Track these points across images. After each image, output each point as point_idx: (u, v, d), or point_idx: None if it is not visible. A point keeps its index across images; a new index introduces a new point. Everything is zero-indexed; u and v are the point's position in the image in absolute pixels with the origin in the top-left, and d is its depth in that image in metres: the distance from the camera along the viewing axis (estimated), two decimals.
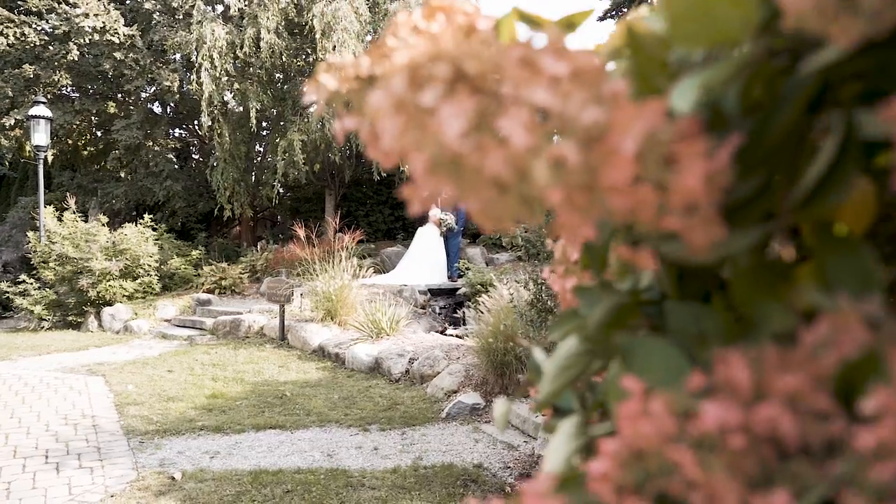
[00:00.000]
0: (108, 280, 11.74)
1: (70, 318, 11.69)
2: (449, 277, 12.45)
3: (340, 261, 9.91)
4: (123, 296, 11.97)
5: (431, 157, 0.29)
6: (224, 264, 13.48)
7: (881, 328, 0.27)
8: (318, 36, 13.36)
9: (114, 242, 12.25)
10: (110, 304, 11.71)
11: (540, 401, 0.45)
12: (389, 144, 0.32)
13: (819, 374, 0.27)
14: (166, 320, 11.65)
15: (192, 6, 14.17)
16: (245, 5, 14.26)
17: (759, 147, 0.31)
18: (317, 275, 9.85)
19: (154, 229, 13.22)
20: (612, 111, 0.29)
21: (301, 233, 10.65)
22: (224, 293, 13.03)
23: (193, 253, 14.19)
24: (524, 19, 0.53)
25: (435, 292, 11.53)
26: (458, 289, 11.44)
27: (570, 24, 0.50)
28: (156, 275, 12.79)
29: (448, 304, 11.39)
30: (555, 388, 0.43)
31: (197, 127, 16.68)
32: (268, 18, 13.81)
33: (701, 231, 0.28)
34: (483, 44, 0.38)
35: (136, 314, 11.60)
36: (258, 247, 15.33)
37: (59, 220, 12.44)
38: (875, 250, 0.36)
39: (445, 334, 9.45)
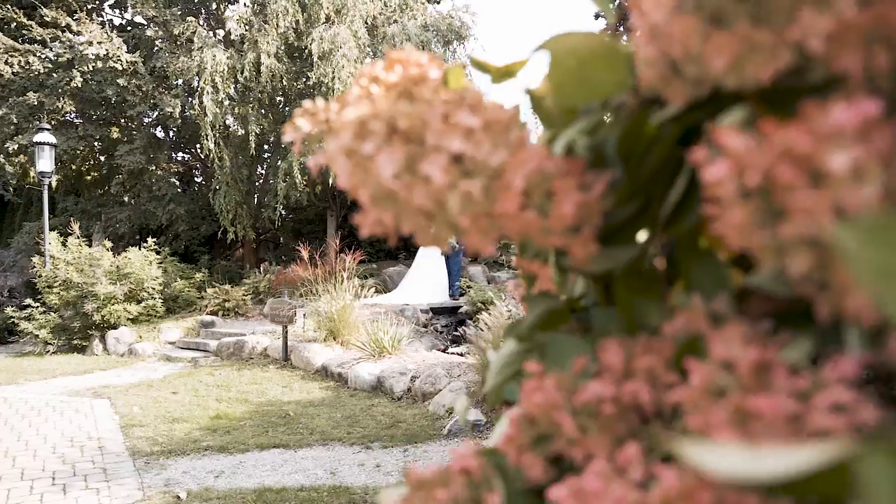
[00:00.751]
0: (113, 304, 11.83)
1: (75, 341, 11.76)
2: (451, 296, 12.52)
3: (342, 281, 9.99)
4: (128, 319, 12.04)
5: (373, 193, 0.37)
6: (227, 286, 13.57)
7: (722, 320, 0.35)
8: (316, 60, 13.55)
9: (118, 266, 12.35)
10: (115, 328, 11.79)
11: (486, 394, 0.52)
12: (343, 181, 0.40)
13: (668, 356, 0.34)
14: (170, 343, 11.72)
15: (194, 32, 14.38)
16: (245, 31, 14.46)
17: (636, 179, 0.39)
18: (319, 295, 9.93)
19: (158, 252, 13.33)
20: (511, 155, 0.37)
21: (304, 253, 10.75)
22: (228, 315, 13.10)
23: (197, 275, 14.29)
24: (476, 65, 0.62)
25: (437, 311, 11.59)
26: (460, 307, 11.50)
27: (508, 72, 0.59)
28: (160, 298, 12.88)
29: (450, 323, 11.45)
30: (496, 383, 0.51)
31: (199, 150, 16.84)
32: (268, 43, 14.00)
33: (580, 248, 0.36)
34: (429, 94, 0.46)
35: (140, 337, 11.68)
36: (261, 268, 15.42)
37: (64, 244, 12.54)
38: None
39: (447, 352, 9.51)
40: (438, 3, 18.49)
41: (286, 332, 9.55)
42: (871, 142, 0.25)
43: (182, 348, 11.39)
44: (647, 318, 0.39)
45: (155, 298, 12.72)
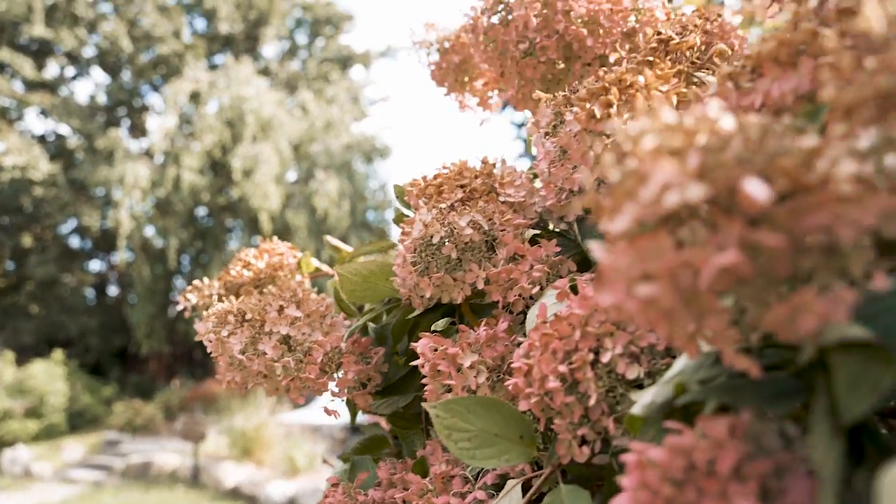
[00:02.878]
0: (10, 421, 11.25)
1: None
2: None
3: (258, 397, 9.86)
4: (26, 437, 11.44)
5: (227, 361, 0.56)
6: (138, 402, 13.11)
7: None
8: (238, 178, 13.85)
9: (19, 380, 11.83)
10: (10, 446, 11.16)
11: None
12: (211, 351, 0.58)
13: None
14: (73, 462, 11.15)
15: (116, 146, 14.50)
16: (169, 146, 14.65)
17: (407, 351, 0.59)
18: (234, 412, 9.75)
19: (65, 365, 12.85)
20: (324, 336, 0.56)
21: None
22: (137, 432, 12.59)
23: (106, 390, 13.78)
24: (331, 248, 0.82)
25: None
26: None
27: (353, 257, 0.79)
28: (64, 413, 12.33)
29: None
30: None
31: (116, 260, 16.60)
32: (191, 159, 14.22)
33: (360, 400, 0.55)
34: (284, 280, 0.65)
35: (39, 456, 11.08)
36: (175, 383, 14.99)
37: None
38: None
39: None
40: (360, 121, 19.14)
41: (197, 450, 9.28)
42: (493, 348, 0.45)
43: (85, 467, 10.84)
44: (414, 446, 0.58)
45: (58, 414, 12.16)
